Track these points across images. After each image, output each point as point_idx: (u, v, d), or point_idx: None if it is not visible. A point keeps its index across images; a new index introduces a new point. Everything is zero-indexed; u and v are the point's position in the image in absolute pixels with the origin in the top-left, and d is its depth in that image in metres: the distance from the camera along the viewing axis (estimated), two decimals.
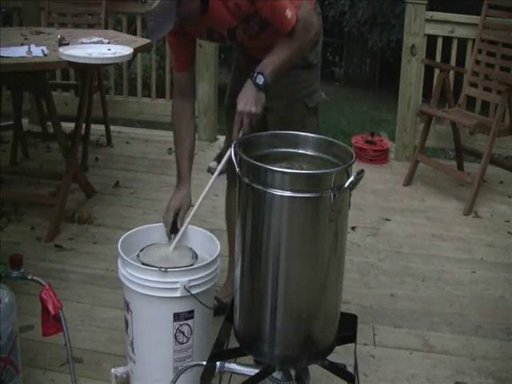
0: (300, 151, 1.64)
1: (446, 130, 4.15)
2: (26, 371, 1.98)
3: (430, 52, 4.22)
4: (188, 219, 1.94)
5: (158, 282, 1.79)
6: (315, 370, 1.71)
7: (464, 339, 2.40)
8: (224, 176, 2.24)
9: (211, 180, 1.84)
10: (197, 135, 4.34)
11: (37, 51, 2.86)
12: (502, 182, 4.00)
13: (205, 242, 2.00)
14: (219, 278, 2.01)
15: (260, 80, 1.76)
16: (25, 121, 4.38)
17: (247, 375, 1.57)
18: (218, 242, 1.96)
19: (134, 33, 4.73)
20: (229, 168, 1.79)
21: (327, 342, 1.57)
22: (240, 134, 1.75)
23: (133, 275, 1.82)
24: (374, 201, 3.67)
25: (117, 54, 2.98)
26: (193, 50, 2.11)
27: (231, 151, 1.56)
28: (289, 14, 1.78)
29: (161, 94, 4.74)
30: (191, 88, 2.14)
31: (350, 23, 8.61)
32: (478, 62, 3.93)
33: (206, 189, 1.85)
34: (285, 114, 2.11)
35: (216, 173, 1.81)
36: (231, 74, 2.31)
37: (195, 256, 1.94)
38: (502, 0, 3.87)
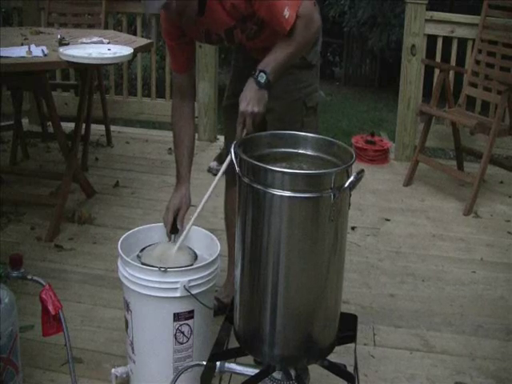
0: (300, 151, 1.64)
1: (446, 130, 4.15)
2: (26, 371, 1.98)
3: (430, 52, 4.22)
4: (191, 221, 1.93)
5: (158, 281, 1.79)
6: (315, 370, 1.71)
7: (464, 339, 2.40)
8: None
9: (214, 182, 1.81)
10: (197, 135, 4.37)
11: (37, 51, 2.85)
12: (502, 182, 4.01)
13: (205, 242, 2.01)
14: (219, 278, 2.01)
15: (262, 78, 1.74)
16: (25, 121, 4.39)
17: (247, 375, 1.57)
18: (217, 242, 1.96)
19: (134, 33, 4.74)
20: (227, 168, 1.78)
21: (327, 342, 1.57)
22: (243, 134, 1.73)
23: (133, 275, 1.82)
24: (373, 201, 3.68)
25: (117, 54, 2.98)
26: (192, 53, 2.10)
27: (231, 154, 1.54)
28: (287, 13, 1.76)
29: (161, 94, 4.75)
30: (191, 89, 2.14)
31: (350, 23, 8.62)
32: (478, 62, 3.93)
33: (209, 191, 1.83)
34: (284, 114, 2.10)
35: (219, 175, 1.79)
36: (230, 74, 2.30)
37: (195, 256, 1.94)
38: (502, 0, 3.87)
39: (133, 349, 1.92)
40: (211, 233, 2.02)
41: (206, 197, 1.85)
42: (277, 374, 1.58)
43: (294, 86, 2.10)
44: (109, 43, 3.16)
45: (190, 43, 2.06)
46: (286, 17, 1.76)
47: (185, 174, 2.07)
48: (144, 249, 1.96)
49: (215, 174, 3.66)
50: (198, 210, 1.87)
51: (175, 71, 2.11)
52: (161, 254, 1.92)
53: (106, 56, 2.95)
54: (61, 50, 2.87)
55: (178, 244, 1.92)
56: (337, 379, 1.64)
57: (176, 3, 1.70)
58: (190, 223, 1.93)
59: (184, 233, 1.93)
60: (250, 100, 1.73)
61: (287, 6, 1.76)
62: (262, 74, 1.75)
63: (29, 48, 2.84)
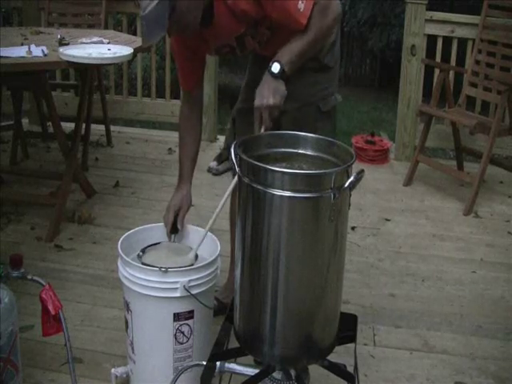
0: (300, 151, 1.64)
1: (446, 130, 4.15)
2: (26, 371, 1.98)
3: (430, 52, 4.23)
4: (207, 229, 1.87)
5: (158, 282, 1.79)
6: (315, 370, 1.70)
7: (464, 339, 2.40)
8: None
9: (230, 188, 1.71)
10: None
11: (37, 51, 2.85)
12: (501, 182, 4.01)
13: (205, 242, 2.00)
14: (219, 278, 2.01)
15: (276, 68, 1.69)
16: (25, 121, 4.39)
17: (247, 375, 1.57)
18: (218, 242, 1.96)
19: (134, 33, 4.74)
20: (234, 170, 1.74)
21: (327, 342, 1.57)
22: (262, 130, 1.67)
23: (133, 275, 1.82)
24: (373, 201, 3.68)
25: (117, 54, 2.98)
26: (202, 71, 2.08)
27: (232, 155, 1.50)
28: (301, 6, 1.70)
29: (161, 94, 4.74)
30: (199, 96, 2.13)
31: (350, 23, 8.63)
32: (478, 62, 3.94)
33: (226, 195, 1.74)
34: (297, 117, 2.03)
35: (232, 184, 1.67)
36: (245, 78, 2.24)
37: (195, 256, 1.94)
38: (502, 0, 3.87)
39: (133, 349, 1.92)
40: (211, 233, 2.01)
41: (221, 203, 1.75)
42: (277, 374, 1.58)
43: (308, 90, 2.02)
44: (109, 43, 3.16)
45: (201, 62, 2.04)
46: (302, 10, 1.71)
47: (187, 174, 2.07)
48: (145, 249, 1.95)
49: (215, 174, 3.70)
50: (216, 213, 1.79)
51: (186, 91, 2.08)
52: (161, 254, 1.92)
53: (106, 56, 2.95)
54: (61, 50, 2.87)
55: (194, 249, 1.91)
56: (337, 379, 1.64)
57: (176, 27, 1.67)
58: (209, 225, 1.86)
59: (203, 236, 1.89)
60: (264, 94, 1.68)
61: None
62: (275, 63, 1.70)
63: (29, 48, 2.84)
